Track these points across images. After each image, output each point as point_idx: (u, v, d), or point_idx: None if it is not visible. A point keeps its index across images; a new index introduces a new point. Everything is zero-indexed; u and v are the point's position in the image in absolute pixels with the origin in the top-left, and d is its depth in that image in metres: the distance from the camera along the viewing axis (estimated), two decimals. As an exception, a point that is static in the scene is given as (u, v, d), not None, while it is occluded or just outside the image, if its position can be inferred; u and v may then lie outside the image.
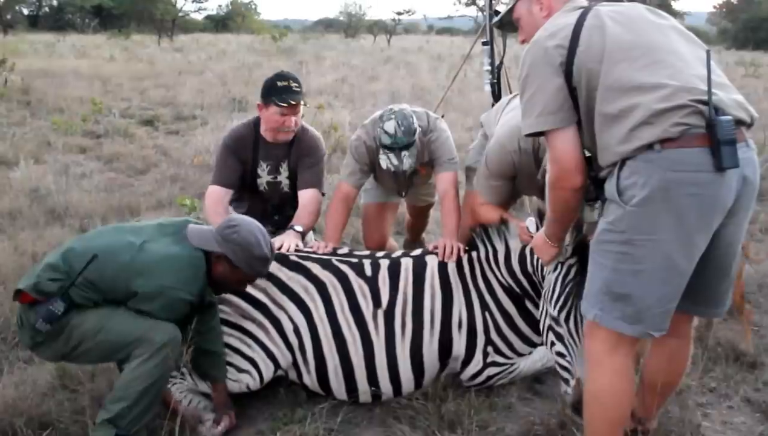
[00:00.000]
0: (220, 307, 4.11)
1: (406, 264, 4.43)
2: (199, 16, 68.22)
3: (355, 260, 4.48)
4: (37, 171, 9.45)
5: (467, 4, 64.21)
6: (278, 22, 72.68)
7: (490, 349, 4.28)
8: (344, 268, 4.40)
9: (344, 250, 4.65)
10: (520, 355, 4.36)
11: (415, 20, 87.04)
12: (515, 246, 4.28)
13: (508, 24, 3.73)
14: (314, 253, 4.51)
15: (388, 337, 4.19)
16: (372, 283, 4.32)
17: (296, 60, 28.18)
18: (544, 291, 3.88)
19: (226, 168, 5.31)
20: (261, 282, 4.18)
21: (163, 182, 9.30)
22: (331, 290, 4.30)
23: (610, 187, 2.93)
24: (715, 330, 4.96)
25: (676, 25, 3.16)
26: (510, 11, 3.66)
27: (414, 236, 6.60)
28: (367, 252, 4.71)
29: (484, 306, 4.31)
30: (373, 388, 4.17)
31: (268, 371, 4.13)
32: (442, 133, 5.22)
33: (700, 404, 4.23)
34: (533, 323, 4.27)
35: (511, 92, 8.24)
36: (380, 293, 4.28)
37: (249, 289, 4.15)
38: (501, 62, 6.81)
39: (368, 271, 4.39)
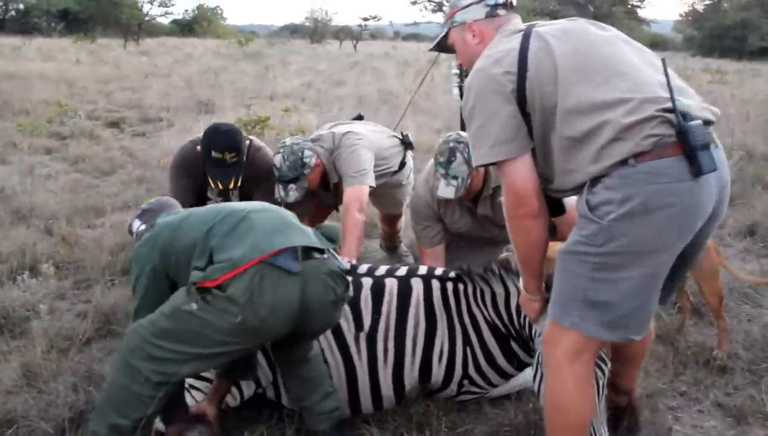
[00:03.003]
0: None
1: (391, 286, 4.22)
2: (165, 21, 67.77)
3: None
4: (2, 172, 9.42)
5: (434, 11, 64.37)
6: (244, 27, 72.56)
7: (466, 382, 4.19)
8: None
9: None
10: (495, 387, 4.28)
11: (381, 26, 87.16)
12: (504, 291, 4.12)
13: (445, 47, 3.59)
14: None
15: (370, 364, 4.06)
16: (353, 305, 4.11)
17: (262, 64, 28.14)
18: None
19: (179, 187, 5.23)
20: None
21: (129, 184, 9.25)
22: None
23: (580, 204, 2.86)
24: (685, 333, 5.00)
25: (621, 35, 3.11)
26: (445, 36, 3.52)
27: (387, 241, 6.63)
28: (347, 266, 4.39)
29: (467, 341, 4.17)
30: (353, 405, 4.09)
31: (249, 389, 4.02)
32: (346, 148, 5.28)
33: (671, 408, 4.22)
34: (517, 361, 4.19)
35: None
36: (362, 316, 4.11)
37: None
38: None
39: (349, 291, 4.14)
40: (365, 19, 64.28)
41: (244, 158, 5.14)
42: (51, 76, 20.57)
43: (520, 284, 3.45)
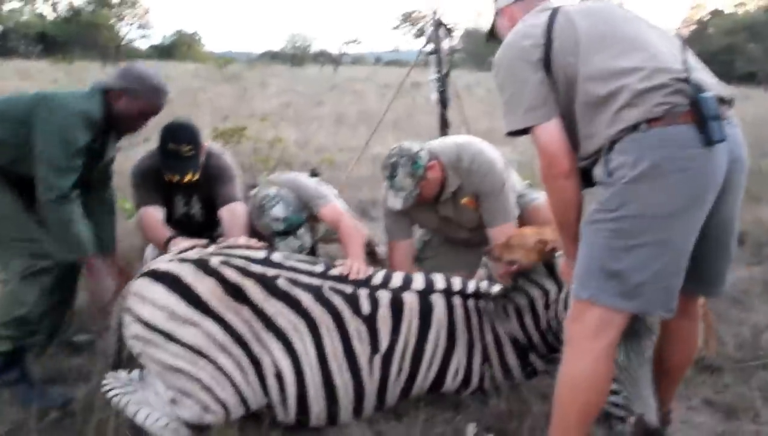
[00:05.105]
0: (192, 332, 3.66)
1: (411, 303, 4.04)
2: (144, 44, 68.05)
3: (349, 291, 4.00)
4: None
5: (416, 36, 64.82)
6: (222, 54, 72.68)
7: (478, 392, 4.12)
8: (338, 303, 3.92)
9: (336, 270, 4.14)
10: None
11: (362, 54, 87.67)
12: (527, 302, 4.09)
13: (493, 37, 3.75)
14: (304, 272, 4.03)
15: (381, 382, 3.91)
16: (370, 323, 3.91)
17: (241, 86, 28.12)
18: None
19: (146, 192, 5.02)
20: (245, 313, 3.72)
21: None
22: (323, 330, 3.84)
23: (599, 172, 2.95)
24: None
25: (643, 18, 3.20)
26: (493, 25, 3.73)
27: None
28: (363, 277, 4.15)
29: (486, 359, 4.11)
30: (355, 414, 3.95)
31: (237, 413, 3.73)
32: (297, 186, 5.17)
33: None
34: (533, 372, 4.17)
35: (459, 97, 8.34)
36: (379, 337, 3.91)
37: (230, 318, 3.69)
38: (448, 71, 6.82)
39: (365, 307, 3.96)
40: (346, 43, 64.73)
41: (202, 158, 4.97)
42: (28, 94, 20.43)
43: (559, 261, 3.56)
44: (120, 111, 4.09)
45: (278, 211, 4.80)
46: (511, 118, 3.13)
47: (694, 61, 2.99)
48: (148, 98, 4.11)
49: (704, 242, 2.95)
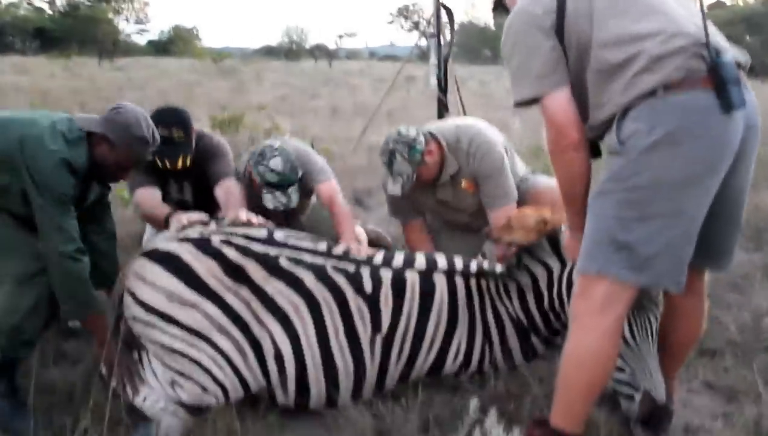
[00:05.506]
0: (191, 314, 3.63)
1: (413, 282, 4.03)
2: (141, 39, 67.94)
3: (352, 269, 4.00)
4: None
5: (409, 30, 64.77)
6: (219, 49, 72.47)
7: (477, 375, 4.09)
8: (341, 282, 3.91)
9: (340, 248, 4.13)
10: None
11: (357, 49, 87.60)
12: (530, 281, 4.07)
13: (501, 6, 3.64)
14: (306, 250, 3.99)
15: (382, 363, 3.89)
16: (372, 303, 3.92)
17: (236, 79, 28.04)
18: None
19: (140, 176, 4.94)
20: (245, 294, 3.71)
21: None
22: (325, 310, 3.83)
23: (610, 140, 2.89)
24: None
25: None
26: None
27: None
28: (364, 256, 4.14)
29: (487, 341, 4.09)
30: (354, 396, 3.92)
31: (236, 395, 3.71)
32: (306, 156, 5.16)
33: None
34: (533, 354, 4.16)
35: (456, 84, 8.32)
36: (381, 316, 3.89)
37: (230, 300, 3.69)
38: (448, 54, 6.81)
39: (368, 286, 3.95)
40: (340, 37, 64.63)
41: (194, 144, 4.93)
42: (25, 88, 20.38)
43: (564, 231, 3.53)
44: (100, 159, 3.84)
45: (276, 163, 4.74)
46: (520, 87, 3.07)
47: (711, 26, 2.91)
48: (129, 148, 3.88)
49: (716, 213, 2.91)
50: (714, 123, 2.70)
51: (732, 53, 2.83)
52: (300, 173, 4.87)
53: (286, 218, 5.23)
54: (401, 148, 4.78)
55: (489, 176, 4.90)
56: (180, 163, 4.79)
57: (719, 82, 2.68)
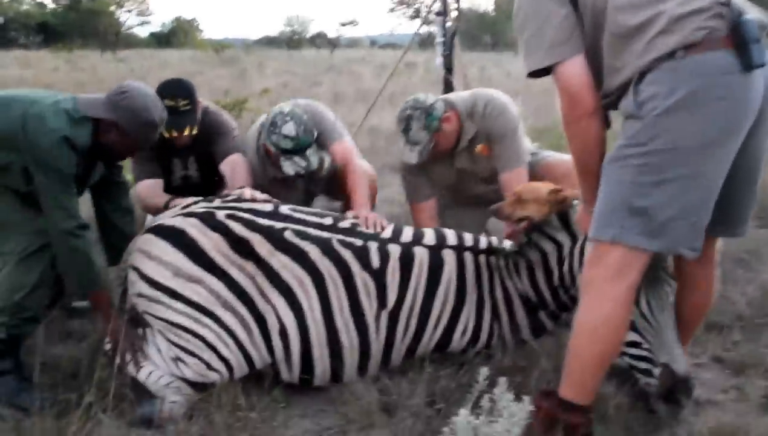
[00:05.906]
0: (196, 289, 3.61)
1: (421, 258, 3.97)
2: (143, 31, 67.92)
3: (359, 243, 3.93)
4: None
5: (411, 17, 64.68)
6: (220, 40, 72.50)
7: (484, 350, 4.04)
8: (347, 256, 3.85)
9: (347, 222, 4.08)
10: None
11: (358, 37, 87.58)
12: (540, 257, 4.01)
13: None
14: (312, 224, 3.94)
15: (387, 338, 3.85)
16: (378, 277, 3.85)
17: (238, 68, 28.02)
18: None
19: (143, 164, 5.03)
20: (250, 268, 3.67)
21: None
22: (330, 285, 3.77)
23: (627, 104, 2.82)
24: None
25: None
26: None
27: None
28: (372, 230, 4.08)
29: (495, 317, 4.05)
30: (360, 372, 3.89)
31: (241, 371, 3.68)
32: (317, 114, 5.07)
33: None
34: (541, 331, 4.12)
35: (461, 61, 8.30)
36: (387, 292, 3.84)
37: (235, 275, 3.65)
38: (454, 33, 6.79)
39: (375, 261, 3.88)
40: (343, 24, 64.66)
41: (198, 115, 4.94)
42: (29, 81, 20.37)
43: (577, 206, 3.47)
44: (108, 144, 3.84)
45: (289, 128, 4.67)
46: (533, 56, 3.02)
47: None
48: (139, 134, 3.86)
49: (734, 177, 2.86)
50: (735, 83, 2.66)
51: (754, 13, 2.77)
52: (315, 133, 4.79)
53: (308, 184, 5.23)
54: (418, 115, 4.74)
55: (503, 136, 4.87)
56: (187, 132, 4.80)
57: (741, 42, 2.63)
